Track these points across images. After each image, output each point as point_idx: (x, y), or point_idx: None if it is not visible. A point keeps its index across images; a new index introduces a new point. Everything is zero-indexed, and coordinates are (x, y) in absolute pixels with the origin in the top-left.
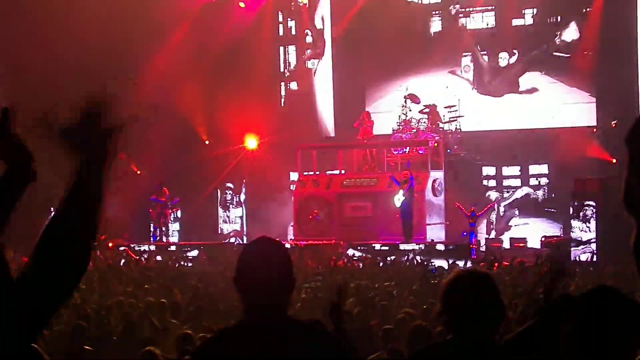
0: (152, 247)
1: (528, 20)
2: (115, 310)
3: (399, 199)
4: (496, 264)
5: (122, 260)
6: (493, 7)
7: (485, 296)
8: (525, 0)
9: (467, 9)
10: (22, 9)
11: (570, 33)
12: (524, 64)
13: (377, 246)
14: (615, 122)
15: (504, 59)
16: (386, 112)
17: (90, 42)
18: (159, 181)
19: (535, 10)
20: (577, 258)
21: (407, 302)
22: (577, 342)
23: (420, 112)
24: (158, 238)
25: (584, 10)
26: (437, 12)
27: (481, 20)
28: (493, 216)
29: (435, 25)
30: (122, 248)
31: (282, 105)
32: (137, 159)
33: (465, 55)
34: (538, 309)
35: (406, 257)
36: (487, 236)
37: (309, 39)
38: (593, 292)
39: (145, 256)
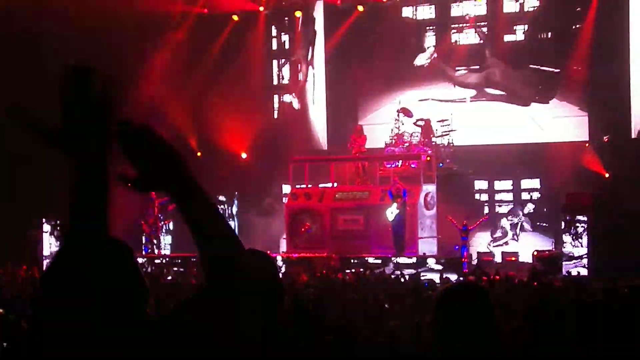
0: (143, 260)
1: (520, 36)
2: None
3: (392, 212)
4: (485, 278)
5: None
6: (486, 24)
7: (476, 310)
8: (516, 17)
9: (460, 25)
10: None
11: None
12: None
13: (371, 260)
14: (607, 137)
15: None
16: (379, 125)
17: (82, 53)
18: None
19: (526, 26)
20: (568, 272)
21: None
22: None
23: (415, 124)
24: (150, 250)
25: (574, 27)
26: (430, 27)
27: (474, 36)
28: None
29: (429, 40)
30: None
31: (276, 117)
32: (128, 170)
33: (458, 70)
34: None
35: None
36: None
37: (302, 52)
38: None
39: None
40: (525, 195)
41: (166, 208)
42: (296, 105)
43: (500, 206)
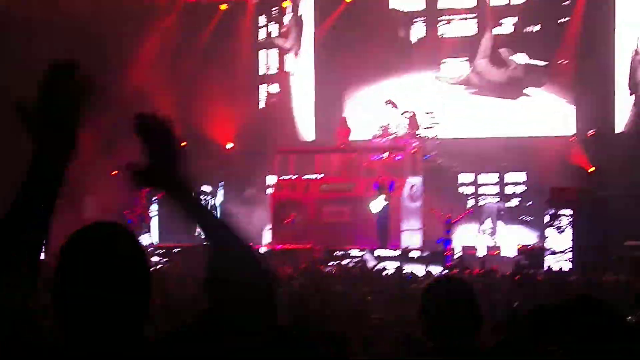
0: None
1: (507, 29)
2: None
3: (377, 204)
4: (467, 271)
5: None
6: (475, 15)
7: (461, 302)
8: (504, 10)
9: (449, 17)
10: None
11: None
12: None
13: (356, 252)
14: (592, 131)
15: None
16: (366, 116)
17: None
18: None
19: (514, 19)
20: (550, 267)
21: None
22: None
23: (402, 115)
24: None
25: (560, 20)
26: (419, 19)
27: (463, 28)
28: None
29: (417, 32)
30: None
31: (262, 107)
32: (112, 160)
33: (444, 62)
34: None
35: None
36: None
37: (290, 43)
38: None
39: None
40: (510, 189)
41: (152, 197)
42: (283, 95)
43: (485, 199)
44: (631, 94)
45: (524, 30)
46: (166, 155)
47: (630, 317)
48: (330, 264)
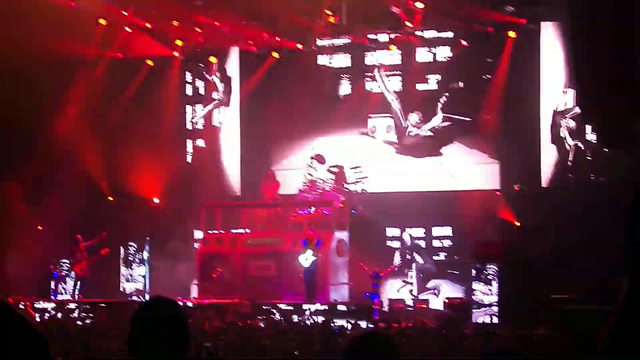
0: (52, 305)
1: (432, 85)
2: None
3: (306, 259)
4: (395, 325)
5: None
6: (400, 72)
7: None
8: (429, 67)
9: (373, 73)
10: None
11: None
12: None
13: (283, 306)
14: (518, 185)
15: (412, 120)
16: (292, 171)
17: None
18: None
19: (439, 76)
20: (478, 320)
21: None
22: None
23: (328, 170)
24: (59, 296)
25: (484, 77)
26: (345, 75)
27: (387, 84)
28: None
29: (344, 88)
30: (21, 305)
31: (189, 162)
32: (38, 214)
33: (372, 117)
34: None
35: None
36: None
37: (216, 96)
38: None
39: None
40: (437, 243)
41: (97, 252)
42: (209, 150)
43: (411, 253)
44: (557, 148)
45: (449, 86)
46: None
47: None
48: (257, 317)
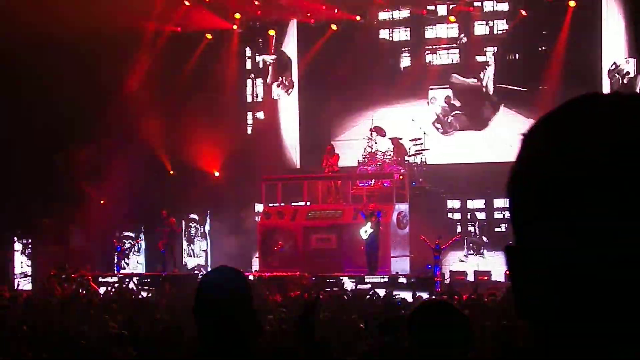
0: (115, 279)
1: (489, 57)
2: (76, 341)
3: (366, 231)
4: (456, 297)
5: (83, 291)
6: (457, 45)
7: (450, 326)
8: (487, 39)
9: (434, 47)
10: None
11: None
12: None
13: (344, 279)
14: None
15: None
16: (352, 144)
17: (55, 69)
18: (166, 211)
19: (496, 48)
20: None
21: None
22: None
23: (389, 142)
24: (122, 269)
25: (541, 49)
26: (405, 48)
27: (447, 57)
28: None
29: (404, 60)
30: (84, 278)
31: (249, 134)
32: (100, 189)
33: (432, 89)
34: None
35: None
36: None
37: (276, 70)
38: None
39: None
40: (498, 215)
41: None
42: (268, 122)
43: (472, 225)
44: None
45: (505, 58)
46: None
47: None
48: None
